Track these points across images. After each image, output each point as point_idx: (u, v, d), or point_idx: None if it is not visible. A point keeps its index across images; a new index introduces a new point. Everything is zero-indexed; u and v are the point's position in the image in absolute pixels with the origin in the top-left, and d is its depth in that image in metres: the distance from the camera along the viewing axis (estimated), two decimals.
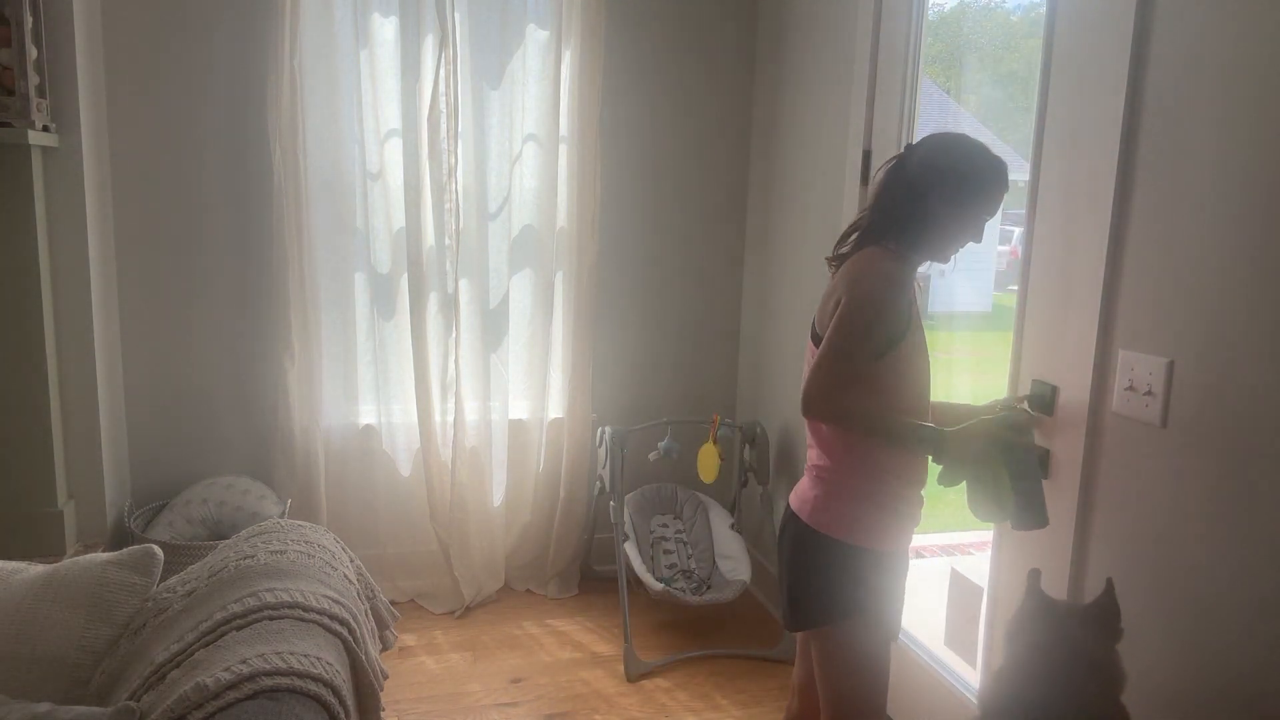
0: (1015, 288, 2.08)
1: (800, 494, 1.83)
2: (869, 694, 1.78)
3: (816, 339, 1.76)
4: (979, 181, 1.73)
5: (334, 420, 3.30)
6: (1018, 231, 2.37)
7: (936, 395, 1.90)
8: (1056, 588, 1.91)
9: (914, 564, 1.87)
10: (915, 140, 1.83)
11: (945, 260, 1.82)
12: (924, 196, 1.72)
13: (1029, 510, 1.66)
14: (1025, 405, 1.84)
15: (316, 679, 1.46)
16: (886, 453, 1.73)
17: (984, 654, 2.21)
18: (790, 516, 1.84)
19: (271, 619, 1.59)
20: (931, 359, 1.82)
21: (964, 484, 1.69)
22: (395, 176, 3.18)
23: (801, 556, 1.80)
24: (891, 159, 1.81)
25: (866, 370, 1.67)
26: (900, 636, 2.13)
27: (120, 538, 2.96)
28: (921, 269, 1.84)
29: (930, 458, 1.69)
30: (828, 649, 1.79)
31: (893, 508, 1.76)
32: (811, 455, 1.84)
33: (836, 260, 1.84)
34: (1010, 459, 1.65)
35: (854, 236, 1.82)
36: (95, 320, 2.85)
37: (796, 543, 1.81)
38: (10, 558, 1.94)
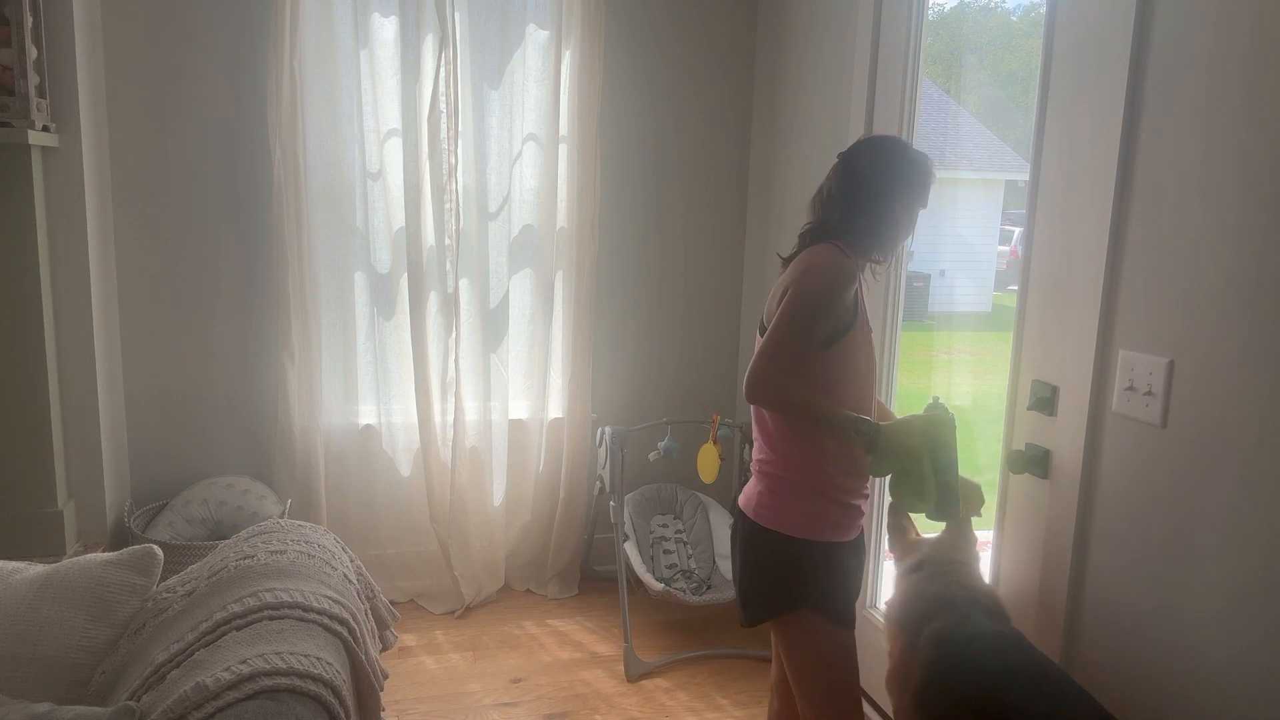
0: (1015, 288, 2.08)
1: (746, 492, 1.88)
2: (837, 683, 1.84)
3: (761, 327, 1.81)
4: (920, 176, 1.83)
5: (334, 420, 3.30)
6: (1018, 231, 2.37)
7: (938, 396, 1.89)
8: (1056, 587, 1.92)
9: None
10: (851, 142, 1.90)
11: (889, 259, 1.93)
12: (880, 196, 1.79)
13: (946, 503, 1.76)
14: (947, 407, 1.88)
15: (316, 679, 1.46)
16: (828, 446, 1.78)
17: None
18: (739, 515, 1.88)
19: (271, 619, 1.60)
20: (932, 359, 1.82)
21: (890, 475, 1.78)
22: (395, 176, 3.18)
23: (750, 553, 1.86)
24: (836, 164, 1.86)
25: (810, 360, 1.71)
26: None
27: (120, 538, 2.96)
28: (913, 270, 1.87)
29: (864, 449, 1.75)
30: (786, 643, 1.88)
31: (835, 500, 1.81)
32: (755, 451, 1.88)
33: (787, 260, 1.87)
34: (935, 455, 1.75)
35: (800, 235, 1.88)
36: (95, 320, 2.85)
37: (745, 540, 1.86)
38: (10, 558, 1.95)
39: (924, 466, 1.74)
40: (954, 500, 1.75)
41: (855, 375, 1.79)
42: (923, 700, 1.74)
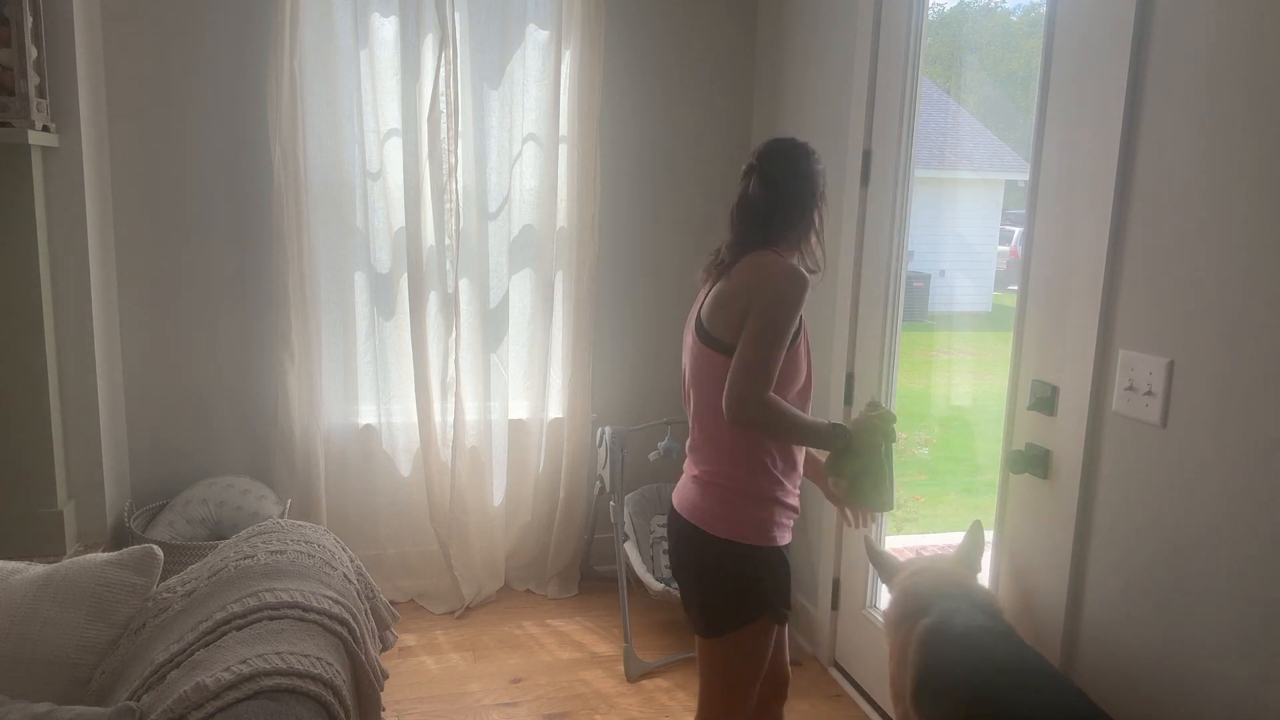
0: (1015, 288, 2.08)
1: (692, 505, 1.82)
2: (755, 680, 1.85)
3: (709, 339, 1.75)
4: (824, 177, 1.92)
5: (334, 420, 3.30)
6: (1018, 231, 2.37)
7: (938, 396, 1.91)
8: (1056, 587, 1.92)
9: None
10: (757, 147, 1.91)
11: (823, 268, 1.91)
12: (808, 204, 1.83)
13: (893, 493, 1.85)
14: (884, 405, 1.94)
15: (316, 679, 1.46)
16: (773, 451, 1.78)
17: None
18: (688, 529, 1.82)
19: (271, 619, 1.60)
20: (932, 359, 1.84)
21: (854, 473, 1.83)
22: (395, 176, 3.18)
23: (711, 566, 1.80)
24: (753, 173, 1.84)
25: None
26: None
27: (120, 538, 2.96)
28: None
29: (838, 450, 1.80)
30: (738, 645, 1.81)
31: (783, 503, 1.82)
32: (697, 461, 1.84)
33: (716, 269, 1.82)
34: (889, 450, 1.83)
35: (730, 247, 1.82)
36: (95, 320, 2.85)
37: (701, 553, 1.81)
38: (10, 558, 1.95)
39: (885, 462, 1.82)
40: (892, 493, 1.85)
41: (799, 380, 1.80)
42: (917, 700, 1.77)
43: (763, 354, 1.66)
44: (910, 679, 1.81)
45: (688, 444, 1.90)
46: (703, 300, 1.82)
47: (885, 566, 2.12)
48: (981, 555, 2.07)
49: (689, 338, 1.83)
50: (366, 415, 3.36)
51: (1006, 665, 1.66)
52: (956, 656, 1.72)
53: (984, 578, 2.21)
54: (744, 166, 1.87)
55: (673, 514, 1.89)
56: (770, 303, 1.68)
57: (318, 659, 1.51)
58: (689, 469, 1.88)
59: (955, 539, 2.13)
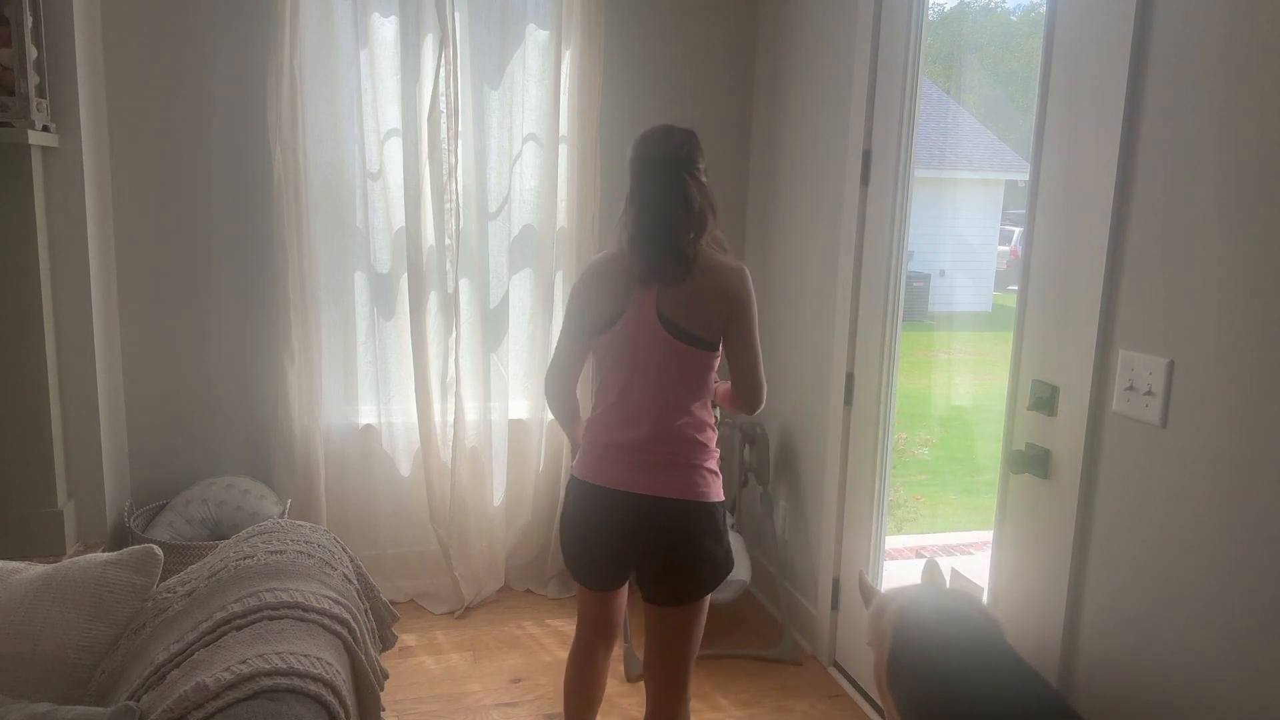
0: (1015, 288, 2.08)
1: (677, 478, 1.92)
2: None
3: (690, 339, 1.91)
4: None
5: (334, 420, 3.30)
6: (1018, 231, 2.38)
7: (938, 396, 1.93)
8: (1056, 587, 1.92)
9: (915, 563, 2.02)
10: (648, 137, 1.97)
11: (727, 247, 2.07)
12: (707, 186, 1.96)
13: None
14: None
15: (316, 679, 1.46)
16: (712, 426, 2.02)
17: None
18: (682, 505, 1.92)
19: (271, 619, 1.60)
20: (932, 359, 1.86)
21: None
22: (395, 176, 3.18)
23: (711, 531, 1.95)
24: (675, 165, 1.91)
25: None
26: None
27: (120, 538, 2.96)
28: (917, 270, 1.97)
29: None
30: (694, 611, 2.00)
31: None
32: (680, 442, 1.94)
33: (682, 264, 1.90)
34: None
35: (692, 238, 1.91)
36: (95, 320, 2.85)
37: (702, 521, 1.94)
38: (10, 558, 1.95)
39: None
40: None
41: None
42: (890, 681, 1.84)
43: (758, 351, 2.00)
44: (883, 661, 1.87)
45: (647, 423, 1.94)
46: (656, 298, 1.90)
47: (867, 593, 2.17)
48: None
49: (655, 335, 1.91)
50: (366, 415, 3.36)
51: (965, 647, 1.72)
52: (921, 638, 1.78)
53: (984, 578, 2.21)
54: (657, 156, 1.91)
55: (649, 500, 1.92)
56: (753, 309, 1.97)
57: (318, 659, 1.51)
58: (651, 455, 1.93)
59: (955, 539, 2.14)
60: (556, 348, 2.12)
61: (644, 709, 2.13)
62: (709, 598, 2.01)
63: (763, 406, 2.04)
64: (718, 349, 1.96)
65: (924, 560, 2.15)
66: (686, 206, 1.89)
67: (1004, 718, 1.58)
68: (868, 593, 2.15)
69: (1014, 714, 1.58)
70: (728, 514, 2.45)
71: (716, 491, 1.97)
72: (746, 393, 2.00)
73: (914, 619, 1.84)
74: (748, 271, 1.97)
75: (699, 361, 1.93)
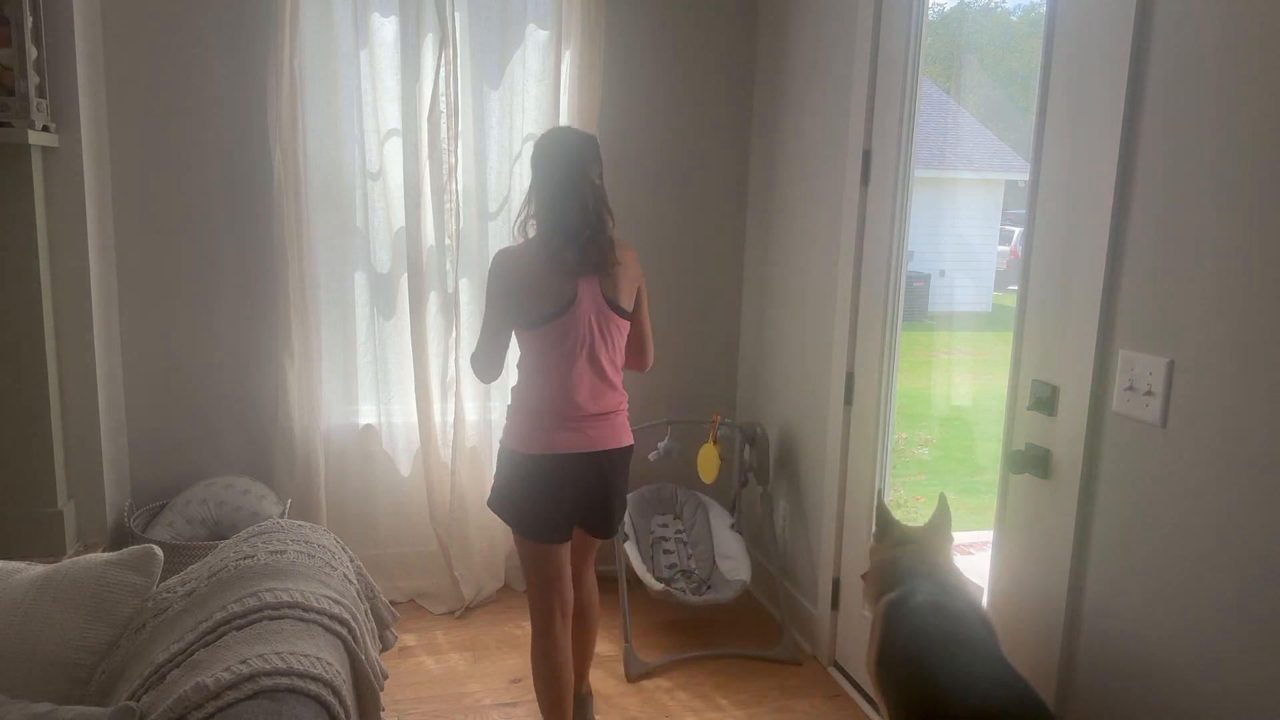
0: (1015, 288, 2.07)
1: (615, 432, 2.30)
2: None
3: (620, 311, 2.26)
4: None
5: (334, 420, 3.30)
6: (1018, 231, 2.38)
7: (938, 396, 1.94)
8: (1056, 587, 1.92)
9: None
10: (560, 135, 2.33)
11: None
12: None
13: None
14: None
15: (316, 679, 1.46)
16: None
17: None
18: (622, 452, 2.33)
19: (271, 619, 1.60)
20: (932, 359, 1.87)
21: None
22: (395, 176, 3.18)
23: (626, 473, 2.39)
24: (595, 166, 2.25)
25: None
26: None
27: (120, 538, 2.96)
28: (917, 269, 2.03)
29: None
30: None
31: None
32: (612, 400, 2.30)
33: (612, 253, 2.23)
34: None
35: (612, 230, 2.27)
36: (95, 320, 2.85)
37: (622, 466, 2.35)
38: (10, 558, 1.94)
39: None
40: None
41: None
42: (878, 670, 1.86)
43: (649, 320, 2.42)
44: (873, 650, 1.89)
45: (586, 390, 2.24)
46: (599, 284, 2.22)
47: (881, 523, 2.16)
48: (950, 525, 2.11)
49: (602, 314, 2.23)
50: (366, 415, 3.36)
51: (948, 641, 1.73)
52: (907, 631, 1.80)
53: (984, 578, 2.21)
54: (579, 160, 2.21)
55: (598, 454, 2.26)
56: (643, 282, 2.36)
57: (318, 659, 1.51)
58: (611, 413, 2.29)
59: (956, 538, 2.14)
60: (485, 336, 2.28)
61: (650, 711, 2.12)
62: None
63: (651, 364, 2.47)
64: (630, 318, 2.32)
65: (939, 496, 2.14)
66: (605, 203, 2.24)
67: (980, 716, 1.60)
68: (881, 519, 2.15)
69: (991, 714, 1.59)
70: (728, 513, 2.73)
71: (631, 437, 2.38)
72: (647, 349, 2.43)
73: (906, 612, 1.85)
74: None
75: (624, 330, 2.31)
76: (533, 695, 2.78)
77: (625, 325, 2.30)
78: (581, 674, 2.57)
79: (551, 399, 2.21)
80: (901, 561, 1.99)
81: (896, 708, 1.76)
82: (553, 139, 2.26)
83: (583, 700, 2.58)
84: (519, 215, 2.33)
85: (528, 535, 2.28)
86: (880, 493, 2.22)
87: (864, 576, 2.13)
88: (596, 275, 2.21)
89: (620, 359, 2.32)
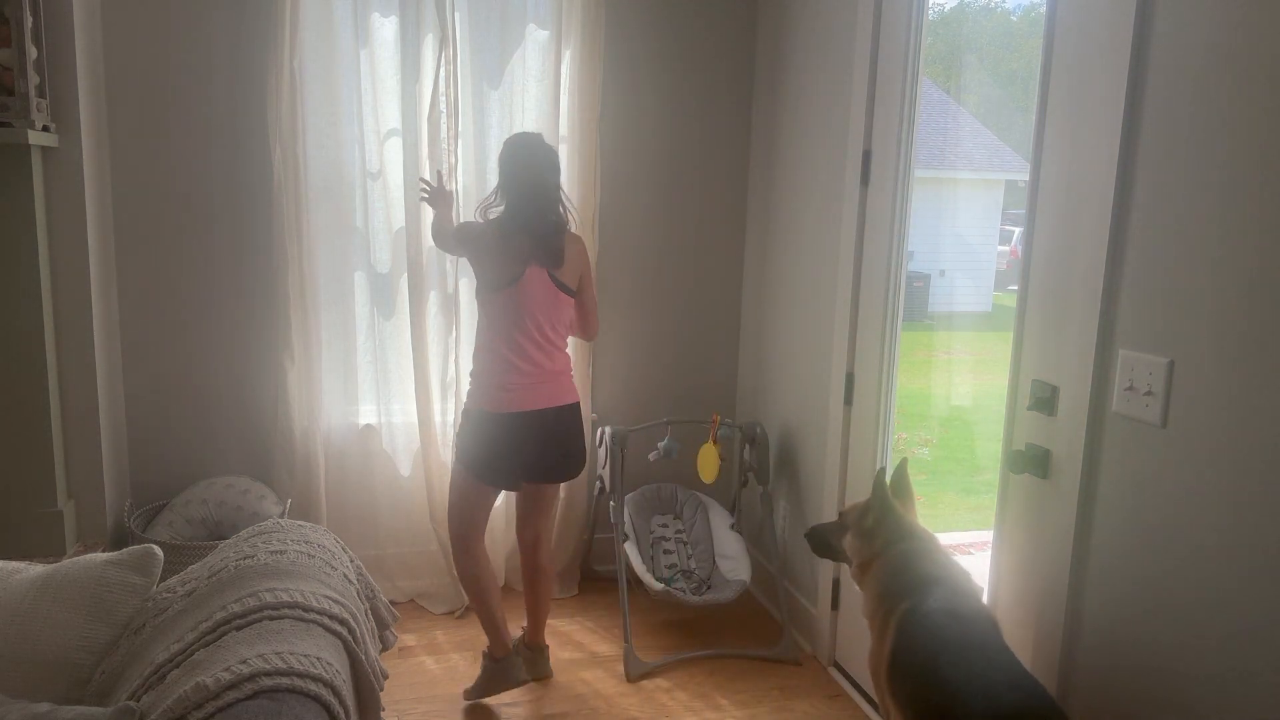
0: (1015, 288, 2.07)
1: (560, 392, 2.65)
2: None
3: (565, 289, 2.62)
4: None
5: (334, 420, 3.30)
6: (1018, 231, 2.38)
7: (938, 396, 1.93)
8: (1056, 588, 1.92)
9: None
10: (537, 142, 2.64)
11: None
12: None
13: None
14: None
15: (316, 679, 1.46)
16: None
17: None
18: (569, 409, 2.68)
19: (271, 619, 1.60)
20: (932, 359, 1.86)
21: None
22: (395, 176, 3.18)
23: (578, 428, 2.74)
24: (555, 171, 2.62)
25: None
26: None
27: (120, 538, 2.96)
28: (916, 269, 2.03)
29: None
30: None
31: None
32: (555, 364, 2.65)
33: (558, 245, 2.59)
34: None
35: (558, 229, 2.62)
36: (95, 320, 2.85)
37: (576, 419, 2.72)
38: (10, 558, 1.94)
39: None
40: None
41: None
42: (890, 679, 1.81)
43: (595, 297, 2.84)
44: (884, 656, 1.84)
45: (531, 356, 2.59)
46: (548, 269, 2.57)
47: (880, 509, 2.05)
48: (910, 489, 2.11)
49: (549, 292, 2.58)
50: (366, 415, 3.35)
51: (964, 648, 1.70)
52: (924, 638, 1.76)
53: (984, 578, 2.21)
54: (545, 164, 2.58)
55: (544, 412, 2.61)
56: (591, 265, 2.79)
57: (318, 659, 1.51)
58: (549, 371, 2.63)
59: (956, 539, 2.13)
60: (449, 236, 2.73)
61: (650, 711, 2.12)
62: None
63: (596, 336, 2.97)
64: (576, 295, 2.68)
65: (900, 461, 2.16)
66: (562, 203, 2.63)
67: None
68: (883, 508, 2.05)
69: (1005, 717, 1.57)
70: (728, 513, 2.81)
71: (577, 396, 2.74)
72: (589, 321, 2.79)
73: (921, 619, 1.81)
74: (582, 238, 2.76)
75: (567, 305, 2.64)
76: (533, 695, 2.79)
77: (569, 301, 2.65)
78: (536, 627, 2.90)
79: (502, 364, 2.57)
80: (914, 564, 1.93)
81: (908, 713, 1.74)
82: (520, 143, 2.59)
83: (540, 651, 2.91)
84: (483, 201, 2.67)
85: (472, 472, 2.63)
86: (882, 471, 2.09)
87: (862, 566, 2.05)
88: (545, 264, 2.56)
89: (564, 330, 2.67)
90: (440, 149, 3.13)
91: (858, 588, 2.08)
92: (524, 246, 2.54)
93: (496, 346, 2.58)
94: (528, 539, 2.84)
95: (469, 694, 2.76)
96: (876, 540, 2.02)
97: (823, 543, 2.24)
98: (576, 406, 2.72)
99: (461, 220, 2.76)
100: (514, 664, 2.76)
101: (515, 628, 3.22)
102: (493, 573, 2.77)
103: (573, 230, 2.70)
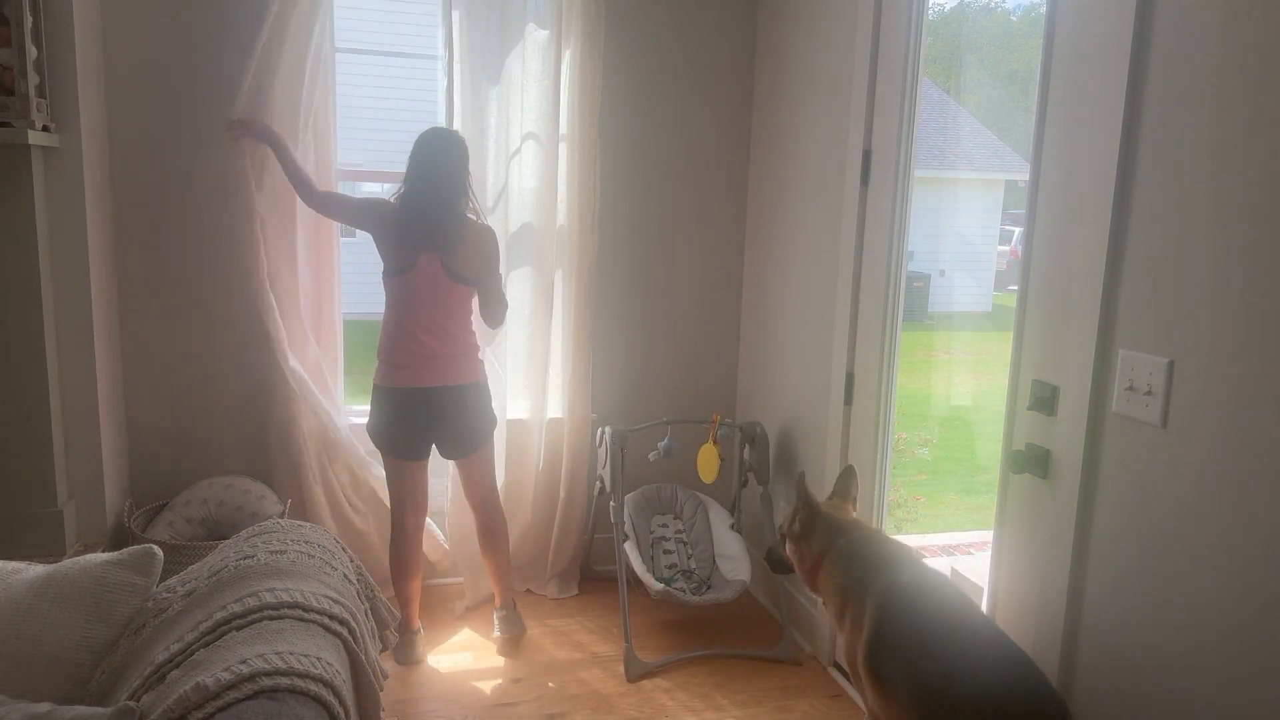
0: (1015, 288, 2.07)
1: (461, 371, 2.81)
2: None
3: (461, 279, 2.75)
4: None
5: (334, 420, 3.30)
6: (1018, 231, 2.38)
7: (938, 396, 1.93)
8: (1056, 588, 1.92)
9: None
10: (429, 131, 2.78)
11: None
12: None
13: None
14: None
15: (316, 679, 1.46)
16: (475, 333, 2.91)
17: None
18: (472, 388, 2.84)
19: (271, 619, 1.60)
20: (932, 359, 1.87)
21: None
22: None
23: (483, 403, 2.89)
24: (453, 163, 2.74)
25: None
26: None
27: (120, 538, 2.96)
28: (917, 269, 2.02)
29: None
30: (487, 453, 2.97)
31: None
32: (449, 346, 2.78)
33: (451, 231, 2.72)
34: None
35: (463, 213, 2.78)
36: (95, 320, 2.85)
37: (480, 395, 2.88)
38: (10, 558, 1.94)
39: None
40: None
41: None
42: (871, 667, 1.83)
43: (500, 283, 2.93)
44: (863, 642, 1.85)
45: (423, 337, 2.74)
46: (440, 257, 2.71)
47: (808, 511, 2.11)
48: (849, 492, 2.22)
49: (439, 281, 2.73)
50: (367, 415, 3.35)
51: (943, 622, 1.75)
52: (901, 617, 1.80)
53: (984, 578, 2.21)
54: (434, 155, 2.71)
55: (433, 390, 2.77)
56: (499, 255, 2.90)
57: (318, 659, 1.51)
58: (446, 358, 2.78)
59: (956, 539, 2.14)
60: (346, 203, 2.89)
61: (650, 711, 2.12)
62: (490, 446, 2.98)
63: (502, 320, 2.95)
64: (475, 284, 2.81)
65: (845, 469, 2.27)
66: (462, 193, 2.75)
67: (992, 689, 1.63)
68: (810, 509, 2.11)
69: (1006, 689, 1.63)
70: (728, 513, 2.82)
71: (482, 375, 2.90)
72: (492, 309, 2.88)
73: (895, 599, 1.83)
74: (493, 229, 2.90)
75: (461, 292, 2.78)
76: (533, 695, 2.79)
77: (464, 290, 2.79)
78: (501, 588, 3.10)
79: (398, 343, 2.76)
80: (866, 549, 1.97)
81: (898, 694, 1.75)
82: (428, 134, 2.75)
83: (511, 609, 3.12)
84: (398, 188, 2.79)
85: (384, 451, 2.85)
86: (802, 476, 2.18)
87: (810, 570, 2.07)
88: (439, 252, 2.71)
89: (459, 316, 2.80)
90: None
91: (811, 593, 2.11)
92: (418, 234, 2.70)
93: (389, 326, 2.78)
94: (474, 504, 3.03)
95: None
96: (814, 541, 2.07)
97: (777, 560, 2.28)
98: (472, 387, 2.84)
99: (376, 201, 2.83)
100: (414, 643, 2.95)
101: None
102: (419, 558, 2.98)
103: (481, 221, 2.86)
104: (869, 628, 1.83)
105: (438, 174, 2.70)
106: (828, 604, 2.04)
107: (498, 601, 3.12)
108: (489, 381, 2.93)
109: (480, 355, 2.90)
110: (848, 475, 2.25)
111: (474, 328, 2.88)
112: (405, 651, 2.93)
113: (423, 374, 2.76)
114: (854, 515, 2.13)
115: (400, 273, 2.72)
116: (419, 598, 2.98)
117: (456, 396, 2.81)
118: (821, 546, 2.04)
